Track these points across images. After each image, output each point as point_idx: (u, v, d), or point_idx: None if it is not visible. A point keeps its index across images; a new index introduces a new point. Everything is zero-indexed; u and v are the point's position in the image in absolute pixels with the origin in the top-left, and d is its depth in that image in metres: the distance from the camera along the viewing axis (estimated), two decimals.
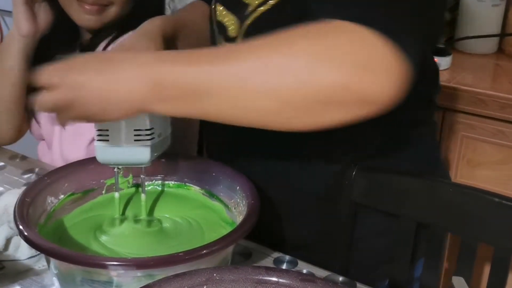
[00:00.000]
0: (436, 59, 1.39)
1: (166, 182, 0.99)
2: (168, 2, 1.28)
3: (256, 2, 0.85)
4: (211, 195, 0.95)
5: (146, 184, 0.92)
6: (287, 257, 0.90)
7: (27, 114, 1.30)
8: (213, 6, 0.96)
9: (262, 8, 0.85)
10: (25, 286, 0.83)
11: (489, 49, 1.78)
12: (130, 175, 0.95)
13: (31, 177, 1.14)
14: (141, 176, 0.90)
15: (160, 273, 0.69)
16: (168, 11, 1.26)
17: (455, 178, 1.61)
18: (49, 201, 0.88)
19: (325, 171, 0.95)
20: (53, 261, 0.76)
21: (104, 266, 0.71)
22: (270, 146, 0.94)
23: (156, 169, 0.96)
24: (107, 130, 0.81)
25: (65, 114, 0.75)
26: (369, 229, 1.00)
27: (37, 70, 0.74)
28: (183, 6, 1.10)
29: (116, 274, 0.72)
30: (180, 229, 0.90)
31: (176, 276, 0.64)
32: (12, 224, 0.84)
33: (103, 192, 0.95)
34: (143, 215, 0.90)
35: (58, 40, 1.26)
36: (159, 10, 1.24)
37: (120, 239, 0.86)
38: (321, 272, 0.87)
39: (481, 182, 1.56)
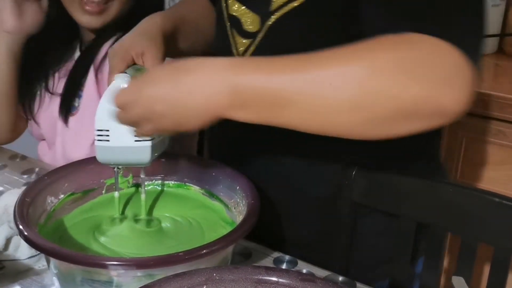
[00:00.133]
0: None
1: (166, 182, 0.99)
2: (168, 2, 1.27)
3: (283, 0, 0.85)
4: (211, 195, 0.95)
5: (146, 184, 0.92)
6: (287, 257, 0.90)
7: (25, 115, 1.30)
8: None
9: (289, 5, 0.84)
10: (25, 286, 0.83)
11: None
12: (130, 175, 0.95)
13: (31, 177, 1.14)
14: (141, 176, 0.90)
15: (160, 273, 0.69)
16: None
17: (455, 178, 1.61)
18: (49, 201, 0.88)
19: (325, 171, 0.94)
20: (53, 261, 0.76)
21: (104, 266, 0.71)
22: (270, 146, 0.94)
23: (156, 169, 0.96)
24: (108, 130, 0.81)
25: (143, 127, 0.76)
26: (369, 229, 1.00)
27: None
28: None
29: (116, 274, 0.72)
30: (180, 229, 0.90)
31: (176, 276, 0.64)
32: (12, 224, 0.84)
33: (103, 192, 0.95)
34: (143, 215, 0.90)
35: (57, 37, 1.26)
36: (159, 8, 1.23)
37: (120, 239, 0.86)
38: (321, 272, 0.87)
39: (481, 182, 1.56)
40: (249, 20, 0.90)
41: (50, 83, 1.25)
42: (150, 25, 0.91)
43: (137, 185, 0.96)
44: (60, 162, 1.16)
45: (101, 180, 0.95)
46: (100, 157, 0.84)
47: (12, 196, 0.90)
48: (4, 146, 1.30)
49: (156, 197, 0.96)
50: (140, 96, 0.74)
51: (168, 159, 0.96)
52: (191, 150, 1.33)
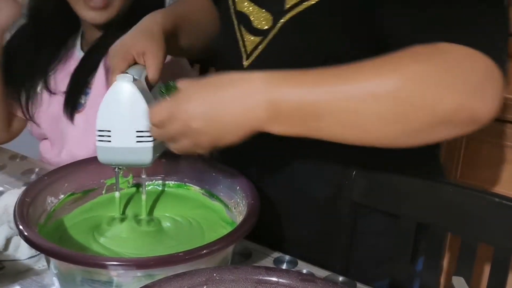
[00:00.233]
0: None
1: (166, 182, 0.99)
2: (168, 2, 1.27)
3: None
4: (211, 195, 0.95)
5: (146, 184, 0.92)
6: (287, 257, 0.90)
7: (23, 115, 1.30)
8: None
9: (304, 4, 0.84)
10: (25, 286, 0.83)
11: None
12: (130, 175, 0.95)
13: (31, 177, 1.14)
14: (142, 176, 0.90)
15: (160, 273, 0.69)
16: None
17: (455, 178, 1.61)
18: (49, 201, 0.88)
19: (325, 171, 0.94)
20: (53, 261, 0.76)
21: (104, 266, 0.71)
22: (270, 146, 0.94)
23: (156, 169, 0.97)
24: (109, 131, 0.81)
25: (179, 143, 0.76)
26: (369, 229, 1.00)
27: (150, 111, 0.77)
28: None
29: (116, 274, 0.72)
30: (180, 229, 0.90)
31: (176, 276, 0.64)
32: (12, 224, 0.84)
33: (103, 192, 0.95)
34: (144, 215, 0.90)
35: (55, 35, 1.25)
36: (160, 4, 1.23)
37: (120, 239, 0.86)
38: (321, 272, 0.87)
39: (481, 182, 1.56)
40: (260, 17, 0.89)
41: (50, 81, 1.25)
42: (151, 23, 0.91)
43: (137, 185, 0.96)
44: (65, 160, 1.17)
45: (101, 180, 0.95)
46: (102, 158, 0.84)
47: (12, 196, 0.90)
48: (4, 146, 1.30)
49: (156, 197, 0.96)
50: (177, 113, 0.74)
51: (168, 159, 0.96)
52: None
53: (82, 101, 1.21)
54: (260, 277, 0.65)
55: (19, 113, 1.31)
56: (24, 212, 0.80)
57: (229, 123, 0.73)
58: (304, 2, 0.83)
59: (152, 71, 0.87)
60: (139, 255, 0.81)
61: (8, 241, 0.87)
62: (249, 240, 0.91)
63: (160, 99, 0.79)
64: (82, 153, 1.10)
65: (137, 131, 0.81)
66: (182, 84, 0.78)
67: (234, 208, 0.90)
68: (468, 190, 0.91)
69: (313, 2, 0.83)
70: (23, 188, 0.90)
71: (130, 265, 0.71)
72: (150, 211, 0.93)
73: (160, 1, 1.24)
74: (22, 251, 0.87)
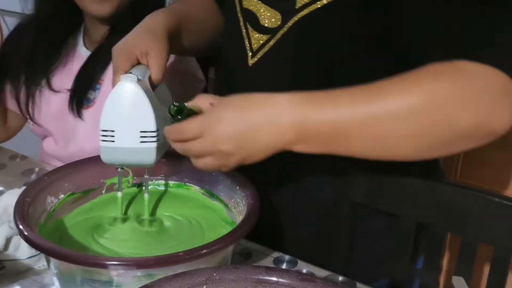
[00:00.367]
0: None
1: (167, 181, 0.98)
2: (168, 2, 1.27)
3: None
4: (211, 195, 0.95)
5: (148, 183, 0.92)
6: (287, 257, 0.90)
7: (23, 114, 1.30)
8: None
9: (316, 4, 0.84)
10: (25, 286, 0.83)
11: None
12: (130, 175, 0.95)
13: (31, 177, 1.14)
14: (145, 176, 0.90)
15: (160, 273, 0.69)
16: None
17: (455, 178, 1.61)
18: (49, 201, 0.88)
19: (326, 171, 0.94)
20: (53, 261, 0.76)
21: (104, 266, 0.71)
22: None
23: (156, 169, 0.96)
24: (113, 131, 0.81)
25: (203, 161, 0.78)
26: (369, 229, 1.00)
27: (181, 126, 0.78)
28: None
29: (116, 273, 0.72)
30: (180, 229, 0.90)
31: (176, 275, 0.64)
32: (12, 224, 0.84)
33: (103, 192, 0.95)
34: (146, 215, 0.90)
35: (59, 30, 1.25)
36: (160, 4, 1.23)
37: (120, 239, 0.86)
38: (321, 272, 0.87)
39: (481, 182, 1.56)
40: (268, 16, 0.89)
41: (51, 80, 1.25)
42: (154, 23, 0.91)
43: (138, 185, 0.96)
44: (72, 153, 1.17)
45: (101, 180, 0.95)
46: (105, 158, 0.84)
47: (12, 196, 0.89)
48: (4, 146, 1.30)
49: (157, 197, 0.96)
50: (206, 133, 0.75)
51: (169, 159, 0.96)
52: None
53: (91, 97, 1.20)
54: (260, 277, 0.65)
55: (16, 109, 1.31)
56: (24, 212, 0.80)
57: (258, 145, 0.75)
58: (315, 2, 0.84)
59: (156, 71, 0.87)
60: (139, 255, 0.81)
61: (8, 241, 0.87)
62: (249, 240, 0.91)
63: (169, 115, 0.79)
64: (92, 148, 1.10)
65: (141, 131, 0.81)
66: (201, 101, 0.79)
67: (234, 208, 0.90)
68: (468, 190, 0.91)
69: (325, 2, 0.83)
70: (23, 188, 0.90)
71: (130, 265, 0.71)
72: (151, 211, 0.93)
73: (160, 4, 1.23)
74: (22, 251, 0.87)
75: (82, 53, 1.25)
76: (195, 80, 1.28)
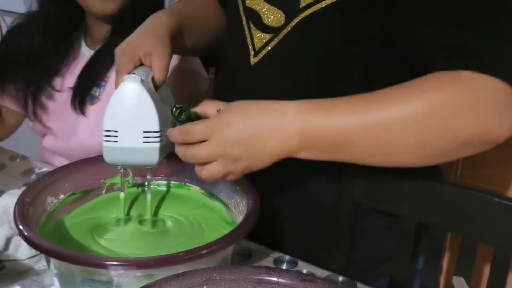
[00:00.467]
0: None
1: (167, 182, 0.98)
2: (168, 2, 1.27)
3: None
4: (211, 195, 0.95)
5: (150, 184, 0.92)
6: (287, 257, 0.90)
7: (26, 114, 1.30)
8: None
9: (320, 4, 0.84)
10: (25, 286, 0.83)
11: None
12: (130, 175, 0.95)
13: (31, 177, 1.14)
14: (147, 176, 0.90)
15: (160, 273, 0.69)
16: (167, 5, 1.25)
17: (455, 178, 1.61)
18: (49, 201, 0.88)
19: (326, 171, 0.94)
20: (53, 261, 0.76)
21: (104, 266, 0.71)
22: None
23: (156, 169, 0.96)
24: (116, 131, 0.82)
25: (210, 168, 0.78)
26: (369, 229, 1.00)
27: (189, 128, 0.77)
28: None
29: (116, 274, 0.72)
30: (180, 229, 0.90)
31: (176, 276, 0.64)
32: (12, 224, 0.84)
33: (103, 192, 0.95)
34: (148, 216, 0.90)
35: (61, 29, 1.25)
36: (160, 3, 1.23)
37: (120, 239, 0.86)
38: (321, 272, 0.87)
39: (481, 182, 1.56)
40: (271, 15, 0.89)
41: (54, 80, 1.25)
42: (157, 24, 0.91)
43: (138, 185, 0.96)
44: (74, 147, 1.17)
45: (101, 180, 0.95)
46: (108, 158, 0.84)
47: (12, 196, 0.89)
48: (4, 146, 1.30)
49: (157, 197, 0.96)
50: (213, 137, 0.75)
51: (169, 159, 0.96)
52: None
53: (96, 94, 1.20)
54: (260, 277, 0.65)
55: (14, 107, 1.31)
56: (24, 212, 0.80)
57: (265, 152, 0.76)
58: (319, 2, 0.84)
59: (159, 72, 0.87)
60: (139, 255, 0.81)
61: (8, 241, 0.87)
62: (249, 240, 0.91)
63: (171, 116, 0.79)
64: (94, 145, 1.10)
65: (144, 132, 0.81)
66: (207, 106, 0.79)
67: (234, 208, 0.90)
68: (468, 190, 0.91)
69: (328, 2, 0.83)
70: (23, 188, 0.90)
71: (130, 265, 0.71)
72: (152, 211, 0.93)
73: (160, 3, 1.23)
74: (22, 251, 0.87)
75: (85, 52, 1.25)
76: (200, 78, 1.28)
